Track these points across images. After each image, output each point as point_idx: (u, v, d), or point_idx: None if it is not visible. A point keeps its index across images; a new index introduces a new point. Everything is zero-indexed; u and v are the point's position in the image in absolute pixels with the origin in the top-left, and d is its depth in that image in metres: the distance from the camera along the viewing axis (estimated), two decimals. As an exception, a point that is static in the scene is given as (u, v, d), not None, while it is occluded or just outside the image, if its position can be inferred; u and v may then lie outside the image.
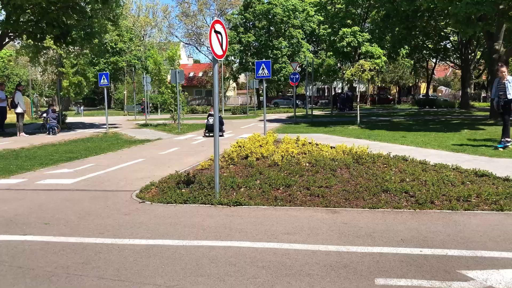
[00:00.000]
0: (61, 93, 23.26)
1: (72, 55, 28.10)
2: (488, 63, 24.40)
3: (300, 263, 3.81)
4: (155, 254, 4.13)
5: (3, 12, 19.16)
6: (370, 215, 5.30)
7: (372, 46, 33.27)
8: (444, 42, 37.09)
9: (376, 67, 19.87)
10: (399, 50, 32.84)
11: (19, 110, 18.16)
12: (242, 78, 60.23)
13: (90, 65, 40.05)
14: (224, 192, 6.48)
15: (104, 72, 19.52)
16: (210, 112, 17.11)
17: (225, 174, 7.62)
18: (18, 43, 31.54)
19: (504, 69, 10.13)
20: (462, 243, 4.22)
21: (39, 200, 6.55)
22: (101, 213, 5.69)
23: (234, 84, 66.92)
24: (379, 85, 53.57)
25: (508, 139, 10.21)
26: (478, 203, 5.61)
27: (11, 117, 22.22)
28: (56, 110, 20.81)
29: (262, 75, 13.23)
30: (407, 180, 6.75)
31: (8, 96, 20.09)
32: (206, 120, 16.21)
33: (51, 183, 7.85)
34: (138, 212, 5.74)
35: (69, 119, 25.76)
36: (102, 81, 18.62)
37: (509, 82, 9.95)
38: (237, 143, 10.47)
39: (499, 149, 10.06)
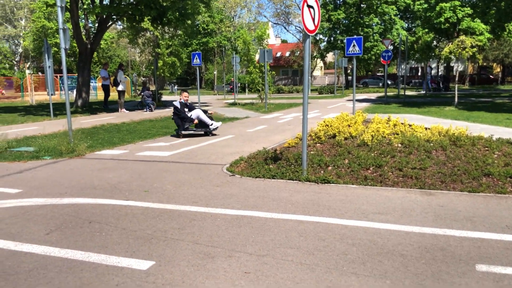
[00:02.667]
0: (157, 73, 24.60)
1: (167, 37, 29.48)
2: None
3: (393, 243, 3.69)
4: (245, 224, 4.25)
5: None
6: (469, 199, 4.96)
7: (474, 22, 30.59)
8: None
9: (479, 44, 18.28)
10: (505, 25, 29.80)
11: (120, 88, 19.56)
12: (329, 57, 58.97)
13: (183, 46, 41.74)
14: (311, 169, 6.45)
15: (197, 52, 20.22)
16: (181, 100, 11.00)
17: (312, 152, 7.56)
18: (120, 25, 33.79)
19: None
20: None
21: (139, 169, 7.04)
22: (195, 184, 5.97)
23: (321, 64, 65.79)
24: (481, 63, 49.33)
25: None
26: None
27: (113, 95, 24.07)
28: (150, 88, 22.10)
29: (352, 52, 12.80)
30: (513, 164, 6.18)
31: (111, 75, 21.70)
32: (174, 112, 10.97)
33: (149, 155, 8.39)
34: (229, 184, 5.93)
35: (164, 98, 27.26)
36: (195, 60, 19.34)
37: None
38: (324, 122, 10.31)
39: None
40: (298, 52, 58.78)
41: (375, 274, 3.10)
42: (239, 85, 38.63)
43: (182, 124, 10.62)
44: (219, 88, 42.63)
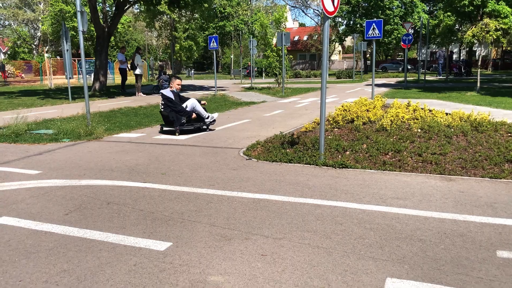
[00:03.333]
0: (173, 57, 24.62)
1: (183, 20, 29.39)
2: None
3: (411, 228, 3.64)
4: (262, 207, 4.24)
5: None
6: (491, 185, 4.85)
7: (499, 5, 29.64)
8: None
9: (504, 27, 17.74)
10: (532, 8, 28.81)
11: (137, 71, 19.63)
12: (348, 41, 58.13)
13: (200, 30, 41.59)
14: (329, 154, 6.40)
15: (214, 35, 20.13)
16: (173, 89, 9.10)
17: (329, 137, 7.49)
18: (137, 8, 33.80)
19: None
20: None
21: (156, 152, 7.08)
22: (211, 167, 5.98)
23: (340, 48, 64.92)
24: (505, 47, 47.98)
25: None
26: None
27: (130, 79, 24.20)
28: (167, 73, 22.14)
29: (372, 35, 12.56)
30: (537, 150, 6.02)
31: (128, 59, 21.78)
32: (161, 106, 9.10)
33: (166, 138, 8.43)
34: (245, 168, 5.92)
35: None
36: (211, 44, 19.25)
37: None
38: (342, 106, 10.20)
39: None
40: (316, 36, 58.05)
41: (393, 259, 3.07)
42: (256, 69, 38.43)
43: (178, 119, 8.71)
44: (235, 72, 42.52)
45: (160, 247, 3.34)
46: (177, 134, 8.68)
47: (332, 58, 60.15)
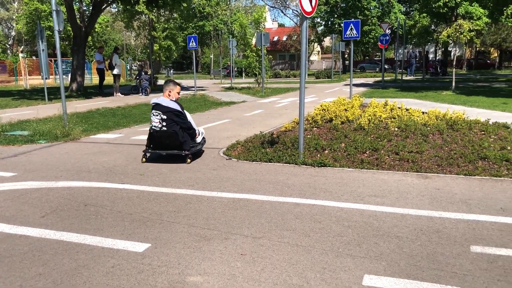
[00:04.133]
0: (152, 57, 24.38)
1: (162, 20, 29.18)
2: None
3: (388, 225, 3.69)
4: (242, 207, 4.24)
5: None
6: (465, 182, 4.96)
7: (472, 6, 30.33)
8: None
9: (477, 27, 18.15)
10: (504, 9, 29.58)
11: (115, 72, 19.39)
12: (327, 41, 58.58)
13: (179, 30, 41.33)
14: (308, 153, 6.44)
15: (193, 35, 20.02)
16: (156, 100, 6.33)
17: (308, 136, 7.55)
18: (114, 8, 33.37)
19: None
20: None
21: (134, 153, 7.00)
22: (191, 167, 5.95)
23: (319, 48, 65.39)
24: (478, 48, 49.13)
25: None
26: None
27: (108, 79, 23.88)
28: (148, 72, 21.94)
29: (350, 35, 12.69)
30: (509, 148, 6.18)
31: (106, 59, 21.48)
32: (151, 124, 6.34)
33: (145, 138, 8.32)
34: (225, 168, 5.92)
35: (160, 82, 27.07)
36: (190, 44, 19.16)
37: None
38: (321, 106, 10.27)
39: None
40: (295, 36, 58.33)
41: (370, 256, 3.11)
42: (235, 69, 38.40)
43: (188, 140, 6.31)
44: (215, 72, 42.39)
45: (138, 249, 3.31)
46: (188, 161, 6.23)
47: (311, 58, 60.53)
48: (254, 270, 2.93)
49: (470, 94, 15.85)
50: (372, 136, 7.23)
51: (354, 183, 4.99)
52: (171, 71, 44.32)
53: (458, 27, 15.44)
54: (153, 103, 6.31)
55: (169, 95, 6.39)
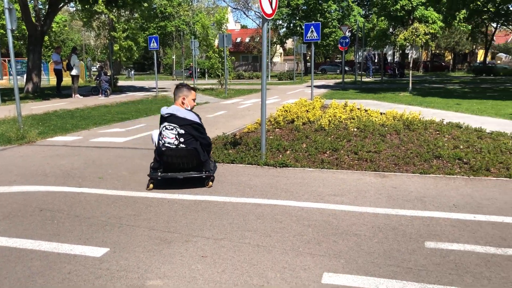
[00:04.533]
0: (113, 58, 23.86)
1: (122, 20, 28.63)
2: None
3: (347, 223, 3.78)
4: (203, 209, 4.22)
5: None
6: (421, 180, 5.14)
7: (427, 10, 31.46)
8: (506, 5, 34.44)
9: (432, 31, 18.84)
10: (456, 14, 30.86)
11: (74, 72, 18.84)
12: (289, 43, 59.21)
13: (140, 30, 40.69)
14: (270, 154, 6.49)
15: (154, 35, 19.73)
16: (169, 110, 5.00)
17: (271, 137, 7.62)
18: (72, 7, 32.42)
19: None
20: (520, 211, 4.02)
21: (93, 156, 6.83)
22: (151, 170, 5.86)
23: (281, 50, 65.99)
24: (433, 51, 50.99)
25: None
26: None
27: (66, 80, 23.16)
28: (108, 73, 21.46)
29: (310, 38, 12.89)
30: (461, 147, 6.46)
31: (64, 59, 20.84)
32: (158, 137, 5.12)
33: (104, 141, 8.16)
34: (187, 170, 5.86)
35: (120, 83, 26.53)
36: (151, 44, 18.88)
37: None
38: (283, 107, 10.38)
39: None
40: (258, 38, 58.61)
41: (329, 254, 3.17)
42: (198, 70, 38.15)
43: (208, 160, 5.17)
44: (178, 73, 41.97)
45: (96, 253, 3.23)
46: (210, 184, 5.08)
47: (274, 60, 60.98)
48: (214, 272, 2.92)
49: (426, 95, 16.43)
50: (332, 136, 7.38)
51: (314, 183, 5.06)
52: (132, 72, 43.52)
53: (414, 30, 15.98)
54: (166, 114, 4.97)
55: (183, 103, 5.13)
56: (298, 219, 3.90)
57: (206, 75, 39.41)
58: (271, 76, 38.51)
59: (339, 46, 22.28)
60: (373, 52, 38.57)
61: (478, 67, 42.02)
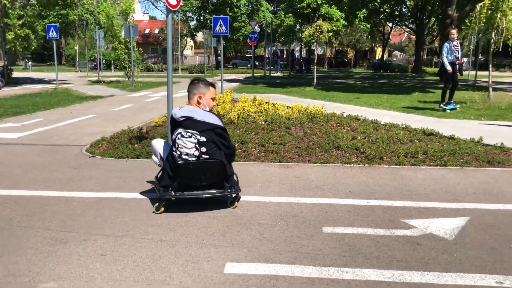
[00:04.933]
0: (6, 47, 21.85)
1: (18, 6, 26.28)
2: (441, 28, 24.96)
3: (252, 213, 3.86)
4: (105, 206, 4.05)
5: None
6: (321, 169, 5.42)
7: (331, 8, 33.11)
8: (400, 6, 37.52)
9: (335, 28, 19.84)
10: (357, 13, 32.90)
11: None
12: (200, 36, 58.74)
13: (38, 18, 37.64)
14: (178, 147, 6.40)
15: (53, 24, 18.39)
16: (183, 112, 3.96)
17: (179, 130, 7.52)
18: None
19: (454, 31, 10.38)
20: (407, 195, 4.41)
21: (-20, 154, 6.22)
22: (48, 167, 5.49)
23: (192, 43, 65.26)
24: (337, 48, 53.81)
25: (451, 101, 10.63)
26: (424, 159, 5.85)
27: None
28: (0, 64, 19.63)
29: (219, 31, 12.89)
30: (358, 138, 6.91)
31: None
32: (172, 148, 4.07)
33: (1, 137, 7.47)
34: (88, 166, 5.58)
35: (16, 74, 24.37)
36: (50, 33, 17.59)
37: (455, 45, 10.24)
38: (192, 100, 10.29)
39: (447, 110, 10.46)
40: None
41: (233, 244, 3.22)
42: (104, 61, 36.34)
43: (231, 169, 4.19)
44: (81, 65, 39.62)
45: (-20, 260, 2.96)
46: (236, 205, 4.09)
47: (185, 53, 60.13)
48: (114, 270, 2.82)
49: (329, 90, 17.30)
50: (241, 129, 7.48)
51: (221, 176, 5.09)
52: (30, 62, 40.27)
53: (318, 27, 16.70)
54: (181, 117, 3.93)
55: (199, 103, 4.10)
56: (204, 212, 3.90)
57: (112, 67, 37.71)
58: (181, 69, 37.94)
59: (249, 41, 22.56)
60: (280, 48, 39.66)
61: (377, 63, 45.25)
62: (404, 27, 45.46)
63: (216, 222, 3.66)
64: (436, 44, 50.35)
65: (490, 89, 12.04)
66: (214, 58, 44.64)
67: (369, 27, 44.08)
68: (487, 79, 13.13)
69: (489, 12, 10.56)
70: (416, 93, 16.10)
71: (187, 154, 3.90)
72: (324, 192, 4.47)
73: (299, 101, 11.88)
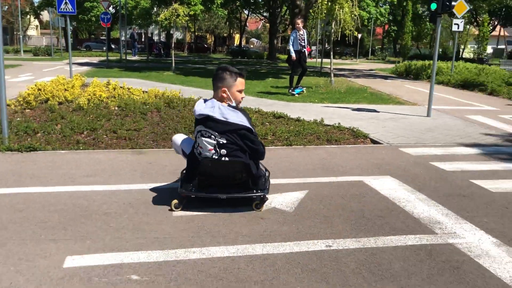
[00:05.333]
0: None
1: None
2: (290, 17, 26.66)
3: (98, 203, 3.68)
4: None
5: None
6: (176, 155, 5.38)
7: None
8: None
9: (191, 12, 19.79)
10: (214, -1, 33.23)
11: None
12: (46, 16, 53.32)
13: None
14: (15, 137, 5.79)
15: None
16: (202, 109, 3.53)
17: (18, 119, 6.81)
18: None
19: (299, 21, 11.18)
20: (255, 174, 4.64)
21: None
22: None
23: (37, 22, 58.96)
24: (196, 33, 53.85)
25: (298, 85, 11.53)
26: (273, 140, 6.23)
27: None
28: None
29: (65, 10, 11.85)
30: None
31: None
32: (196, 144, 3.65)
33: None
34: None
35: None
36: None
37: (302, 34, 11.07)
38: (35, 85, 9.35)
39: (296, 94, 11.29)
40: (7, 7, 50.82)
41: (76, 237, 3.03)
42: None
43: (262, 176, 3.83)
44: None
45: None
46: (263, 209, 3.71)
47: (28, 33, 54.05)
48: None
49: (188, 75, 17.27)
50: (91, 116, 7.05)
51: (66, 166, 4.74)
52: None
53: (174, 10, 16.45)
54: (198, 114, 3.54)
55: (224, 97, 3.61)
56: (44, 205, 3.59)
57: None
58: (24, 51, 34.08)
59: (101, 22, 21.21)
60: (137, 31, 38.17)
61: (235, 50, 46.52)
62: (259, 15, 47.45)
63: (57, 215, 3.40)
64: (289, 32, 53.77)
65: (332, 75, 13.32)
66: (64, 40, 41.03)
67: (226, 13, 45.00)
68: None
69: (329, 4, 11.61)
70: (270, 78, 17.00)
71: (206, 156, 3.54)
72: (177, 177, 4.46)
73: (156, 85, 11.64)
